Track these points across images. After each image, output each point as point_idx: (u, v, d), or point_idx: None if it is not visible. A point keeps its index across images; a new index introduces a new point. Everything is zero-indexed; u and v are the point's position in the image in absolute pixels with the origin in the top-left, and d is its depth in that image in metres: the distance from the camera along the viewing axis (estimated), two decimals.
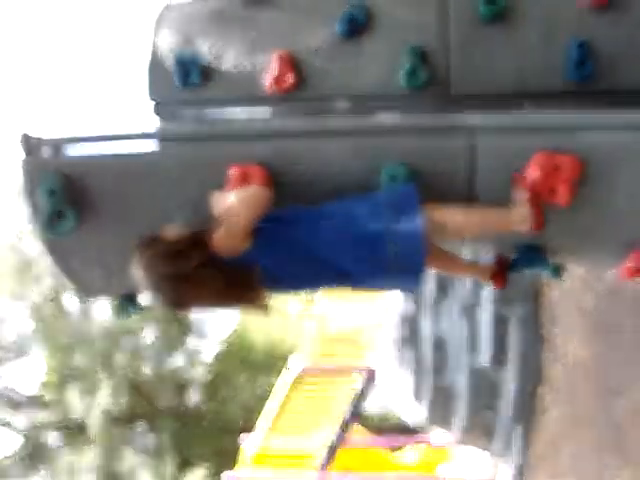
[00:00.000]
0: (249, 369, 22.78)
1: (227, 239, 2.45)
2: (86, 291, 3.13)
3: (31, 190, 2.68)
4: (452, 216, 2.59)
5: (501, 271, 2.98)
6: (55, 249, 2.78)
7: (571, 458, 5.95)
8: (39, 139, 2.72)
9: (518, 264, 2.86)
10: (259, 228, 2.48)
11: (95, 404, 18.90)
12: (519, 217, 2.59)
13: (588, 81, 2.95)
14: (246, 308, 2.61)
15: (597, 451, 5.35)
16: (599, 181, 2.62)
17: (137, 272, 2.45)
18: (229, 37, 3.12)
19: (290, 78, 3.00)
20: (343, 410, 9.81)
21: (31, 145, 2.71)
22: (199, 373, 22.49)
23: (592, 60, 2.91)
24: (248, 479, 10.12)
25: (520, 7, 3.00)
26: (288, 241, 2.53)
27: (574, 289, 5.98)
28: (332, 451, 9.85)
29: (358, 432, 11.84)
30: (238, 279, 2.48)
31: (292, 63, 3.02)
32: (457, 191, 2.70)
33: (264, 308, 2.59)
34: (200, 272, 2.41)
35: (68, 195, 2.65)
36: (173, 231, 2.48)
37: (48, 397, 21.08)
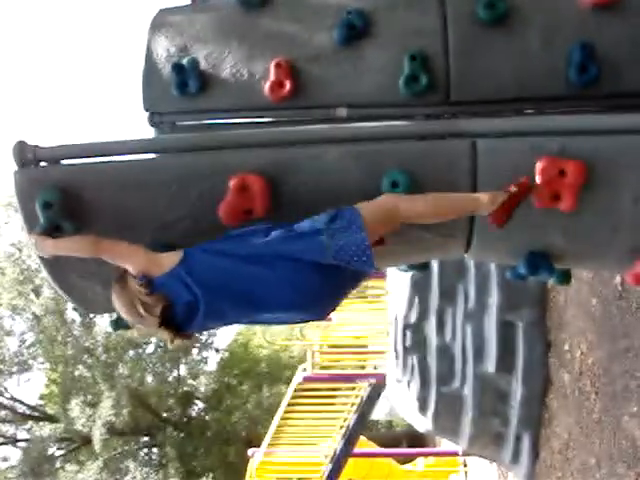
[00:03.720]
0: (253, 378, 22.75)
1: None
2: (85, 307, 3.09)
3: (26, 202, 2.63)
4: (412, 203, 2.52)
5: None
6: (53, 265, 2.73)
7: (582, 467, 5.89)
8: (34, 148, 2.66)
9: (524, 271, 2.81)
10: (193, 255, 2.49)
11: (98, 416, 18.84)
12: (490, 198, 2.51)
13: (591, 84, 2.90)
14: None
15: (608, 460, 5.29)
16: (604, 185, 2.58)
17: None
18: (227, 44, 3.07)
19: (288, 86, 2.96)
20: (349, 419, 9.76)
21: (26, 155, 2.64)
22: (202, 383, 22.44)
23: (595, 63, 2.86)
24: None
25: (520, 10, 2.96)
26: (223, 270, 2.48)
27: (581, 294, 5.93)
28: (337, 461, 9.80)
29: (365, 443, 11.80)
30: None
31: (290, 70, 2.98)
32: None
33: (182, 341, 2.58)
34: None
35: (65, 207, 2.59)
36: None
37: (50, 410, 21.07)
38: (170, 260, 2.48)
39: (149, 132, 3.13)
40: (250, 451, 10.73)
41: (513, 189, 2.51)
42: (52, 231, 2.59)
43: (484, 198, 2.53)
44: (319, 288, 2.49)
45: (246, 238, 2.50)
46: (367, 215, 2.45)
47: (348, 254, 2.41)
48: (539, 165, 2.52)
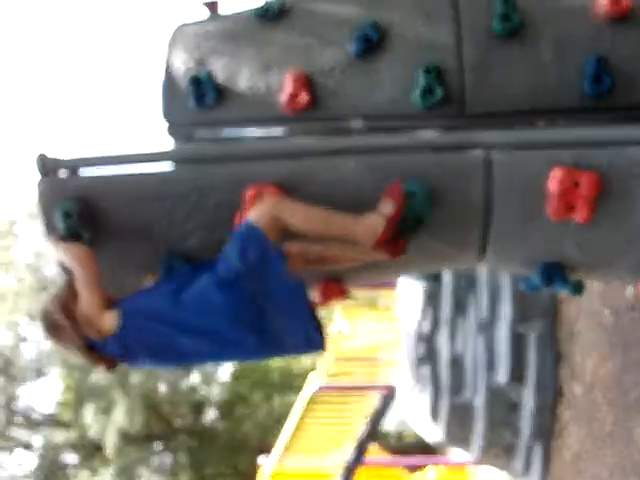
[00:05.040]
0: (265, 388, 22.73)
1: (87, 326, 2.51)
2: None
3: (47, 212, 2.69)
4: (293, 211, 2.51)
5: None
6: (70, 272, 2.76)
7: (593, 479, 5.86)
8: (55, 160, 2.72)
9: (538, 281, 2.83)
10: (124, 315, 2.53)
11: (111, 423, 18.89)
12: (367, 228, 2.49)
13: (605, 97, 2.92)
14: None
15: (620, 472, 5.27)
16: (618, 197, 2.59)
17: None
18: (243, 57, 3.11)
19: (304, 98, 2.99)
20: (360, 429, 9.75)
21: (47, 166, 2.71)
22: (215, 392, 22.44)
23: (609, 75, 2.88)
24: None
25: (535, 23, 2.98)
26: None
27: (592, 306, 5.93)
28: (349, 471, 9.79)
29: (376, 452, 11.77)
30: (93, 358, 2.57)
31: (306, 83, 3.01)
32: (474, 208, 2.69)
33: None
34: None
35: (84, 217, 2.64)
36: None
37: (65, 416, 21.11)
38: (110, 321, 2.52)
39: (168, 143, 3.18)
40: (260, 460, 10.74)
41: (394, 209, 2.49)
42: (71, 240, 2.64)
43: (363, 226, 2.49)
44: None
45: (176, 293, 2.53)
46: (263, 227, 2.45)
47: (280, 298, 2.45)
48: (554, 176, 2.54)
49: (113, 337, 2.51)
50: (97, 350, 2.54)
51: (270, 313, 2.45)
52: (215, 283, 2.47)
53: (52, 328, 2.52)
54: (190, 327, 2.48)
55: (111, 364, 2.60)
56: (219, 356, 2.67)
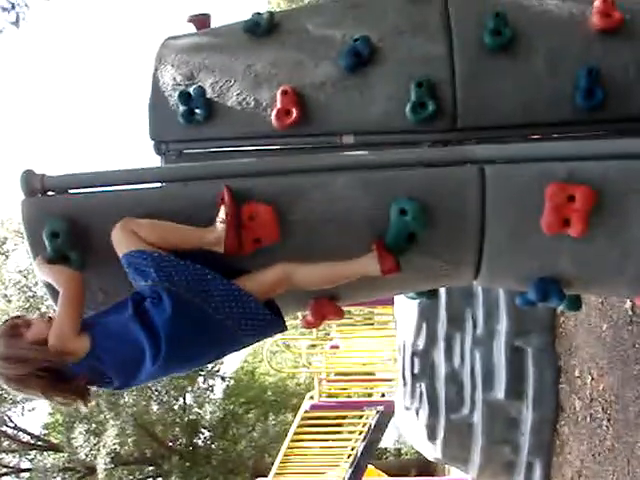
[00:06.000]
0: (259, 407, 22.63)
1: (60, 349, 2.40)
2: None
3: (33, 232, 2.62)
4: (141, 227, 2.54)
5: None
6: (57, 293, 2.71)
7: None
8: (41, 177, 2.66)
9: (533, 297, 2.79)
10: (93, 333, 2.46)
11: (102, 445, 18.73)
12: (212, 234, 2.57)
13: (598, 109, 2.90)
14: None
15: None
16: (613, 210, 2.56)
17: None
18: (233, 72, 3.08)
19: (294, 113, 2.96)
20: (356, 447, 9.68)
21: (33, 184, 2.64)
22: (208, 411, 22.30)
23: (601, 88, 2.86)
24: None
25: (526, 37, 2.97)
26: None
27: (591, 320, 5.90)
28: None
29: (373, 472, 11.69)
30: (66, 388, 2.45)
31: (297, 98, 2.98)
32: (469, 224, 2.65)
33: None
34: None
35: (72, 237, 2.58)
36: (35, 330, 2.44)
37: (54, 439, 20.96)
38: (81, 346, 2.44)
39: (155, 161, 3.14)
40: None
41: (226, 213, 2.55)
42: (59, 261, 2.59)
43: (209, 235, 2.57)
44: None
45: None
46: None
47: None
48: (548, 191, 2.51)
49: (83, 360, 2.43)
50: (67, 376, 2.42)
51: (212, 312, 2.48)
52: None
53: (10, 381, 2.41)
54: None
55: (84, 391, 2.48)
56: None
